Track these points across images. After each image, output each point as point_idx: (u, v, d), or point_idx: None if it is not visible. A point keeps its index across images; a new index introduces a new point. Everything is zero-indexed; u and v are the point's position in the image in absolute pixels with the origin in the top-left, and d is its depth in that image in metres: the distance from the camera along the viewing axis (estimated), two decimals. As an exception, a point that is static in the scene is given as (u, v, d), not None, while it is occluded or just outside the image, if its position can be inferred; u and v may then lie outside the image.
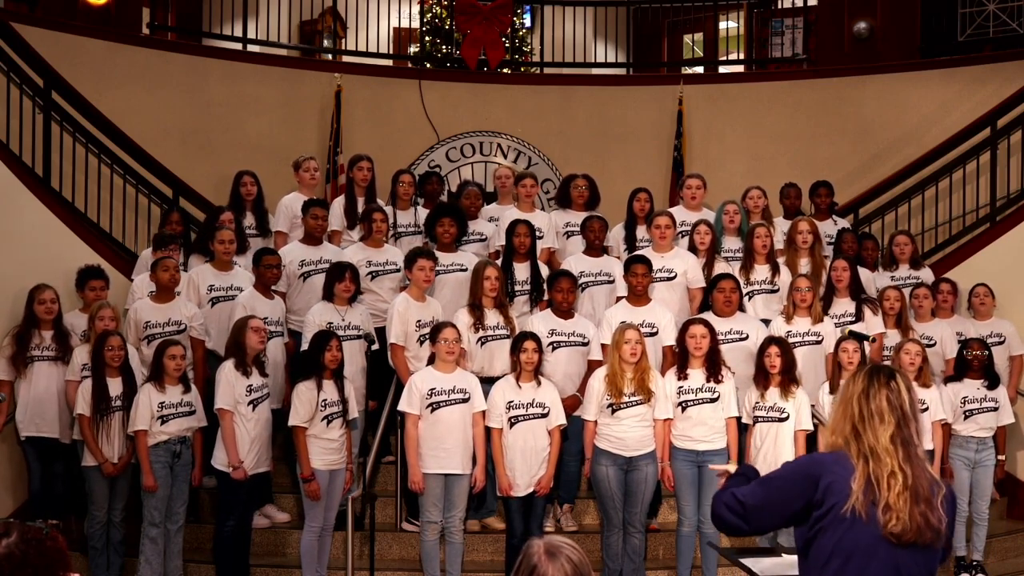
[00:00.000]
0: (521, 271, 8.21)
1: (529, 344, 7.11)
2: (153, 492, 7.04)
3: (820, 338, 7.86)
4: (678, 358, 7.38)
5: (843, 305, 8.20)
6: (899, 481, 3.28)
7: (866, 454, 3.32)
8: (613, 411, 7.08)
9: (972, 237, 9.89)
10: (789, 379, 7.21)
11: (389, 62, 12.58)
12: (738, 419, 7.27)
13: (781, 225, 9.06)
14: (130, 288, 8.26)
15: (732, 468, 3.77)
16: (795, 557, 4.69)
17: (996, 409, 7.97)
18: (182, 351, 7.25)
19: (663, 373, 7.36)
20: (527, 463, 7.11)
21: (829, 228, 9.29)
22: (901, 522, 3.26)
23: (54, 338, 7.62)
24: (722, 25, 14.19)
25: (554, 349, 7.65)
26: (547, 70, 12.90)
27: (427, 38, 12.51)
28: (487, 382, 7.35)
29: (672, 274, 8.26)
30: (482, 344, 7.65)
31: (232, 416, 7.10)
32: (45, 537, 2.59)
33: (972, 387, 7.95)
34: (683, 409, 7.20)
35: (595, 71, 13.27)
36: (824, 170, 10.19)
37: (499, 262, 8.18)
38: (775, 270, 8.40)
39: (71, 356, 7.54)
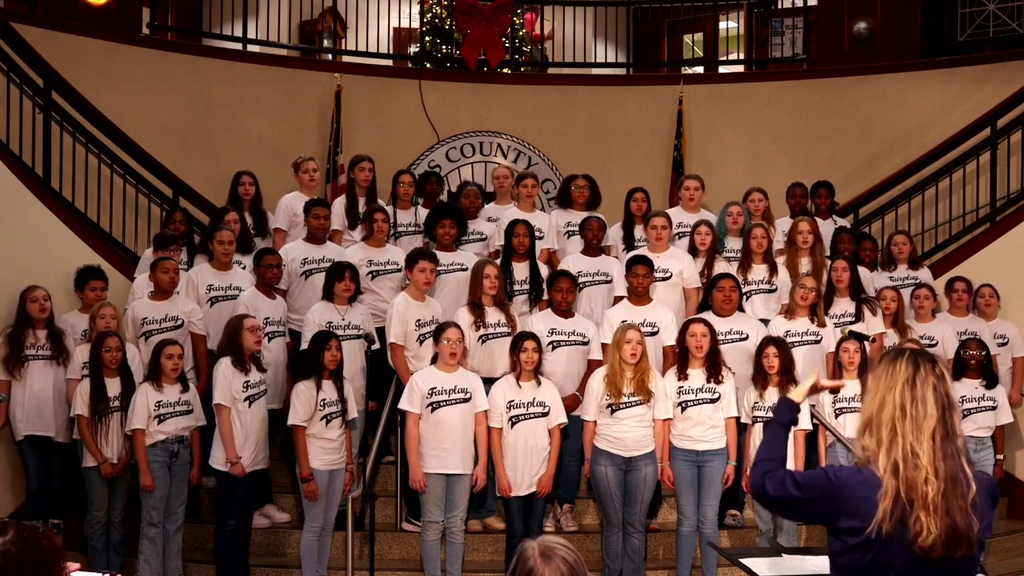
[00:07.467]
0: (520, 271, 8.21)
1: (529, 344, 7.11)
2: (151, 491, 7.04)
3: (819, 337, 7.86)
4: (678, 358, 7.38)
5: (843, 305, 8.20)
6: (932, 488, 3.09)
7: (897, 461, 3.12)
8: (612, 411, 7.08)
9: (972, 237, 9.88)
10: (788, 379, 7.21)
11: (389, 62, 12.56)
12: (737, 419, 7.28)
13: (786, 225, 9.04)
14: (131, 288, 8.25)
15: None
16: (796, 558, 4.72)
17: (994, 408, 7.97)
18: (180, 350, 7.23)
19: (663, 373, 7.36)
20: (527, 462, 7.11)
21: (829, 228, 9.27)
22: (932, 536, 3.08)
23: (48, 337, 7.61)
24: (722, 25, 14.17)
25: (554, 349, 7.65)
26: (547, 70, 12.88)
27: (427, 38, 12.49)
28: (487, 382, 7.34)
29: (668, 274, 8.26)
30: (483, 342, 7.66)
31: (229, 412, 7.09)
32: (41, 536, 2.60)
33: (970, 387, 7.95)
34: (683, 409, 7.20)
35: (595, 71, 13.26)
36: (824, 170, 10.19)
37: (498, 262, 8.19)
38: (772, 270, 8.40)
39: (69, 355, 7.54)
